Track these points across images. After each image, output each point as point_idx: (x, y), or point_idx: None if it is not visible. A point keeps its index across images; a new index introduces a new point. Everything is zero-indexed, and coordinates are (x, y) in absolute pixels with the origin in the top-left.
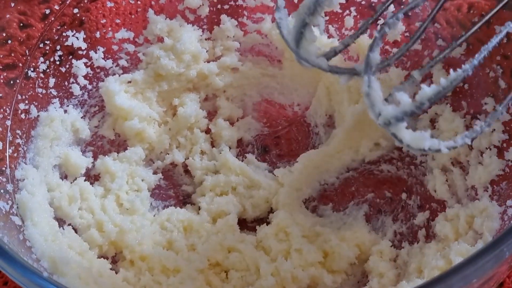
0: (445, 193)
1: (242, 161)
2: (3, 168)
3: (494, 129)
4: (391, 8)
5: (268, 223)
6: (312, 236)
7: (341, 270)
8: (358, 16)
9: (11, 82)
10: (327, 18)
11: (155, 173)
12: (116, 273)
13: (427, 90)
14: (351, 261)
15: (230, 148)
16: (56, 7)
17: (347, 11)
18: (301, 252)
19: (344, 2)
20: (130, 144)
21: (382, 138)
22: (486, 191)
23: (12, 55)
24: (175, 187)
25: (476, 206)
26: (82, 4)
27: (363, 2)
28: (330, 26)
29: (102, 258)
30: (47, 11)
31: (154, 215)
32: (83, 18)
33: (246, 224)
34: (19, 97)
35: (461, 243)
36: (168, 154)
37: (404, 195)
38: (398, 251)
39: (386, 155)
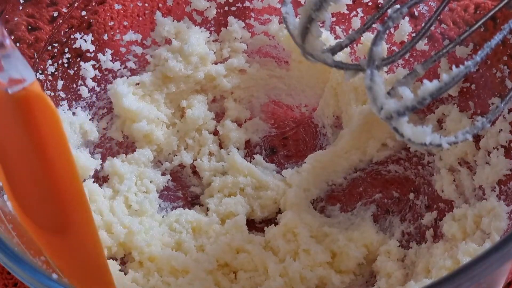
0: (452, 193)
1: (250, 162)
2: None
3: (501, 129)
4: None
5: (276, 224)
6: (320, 237)
7: (349, 270)
8: (365, 17)
9: None
10: (334, 19)
11: (163, 174)
12: (125, 274)
13: (429, 86)
14: (359, 261)
15: (238, 149)
16: (64, 9)
17: (354, 12)
18: (309, 252)
19: (351, 3)
20: (139, 146)
21: (389, 139)
22: (493, 191)
23: None
24: (183, 189)
25: (483, 206)
26: (90, 7)
27: (369, 3)
28: (337, 27)
29: (111, 260)
30: (55, 14)
31: (163, 217)
32: (91, 20)
33: (254, 225)
34: None
35: (469, 243)
36: (176, 155)
37: (411, 195)
38: (406, 251)
39: (393, 155)
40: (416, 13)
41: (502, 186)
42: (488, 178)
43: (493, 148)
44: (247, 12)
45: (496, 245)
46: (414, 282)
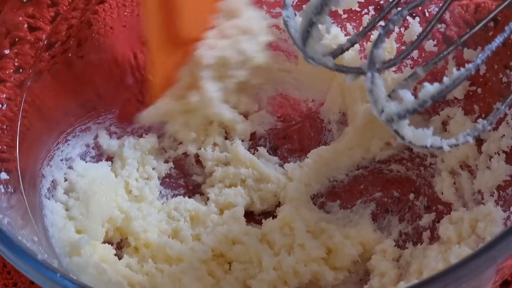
0: (452, 195)
1: (254, 154)
2: (14, 169)
3: (504, 135)
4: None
5: (274, 217)
6: (316, 232)
7: (343, 267)
8: (376, 15)
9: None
10: (346, 16)
11: (166, 161)
12: (120, 259)
13: (430, 89)
14: (354, 259)
15: (243, 141)
16: (64, 9)
17: (365, 10)
18: (304, 247)
19: (363, 0)
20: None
21: (393, 138)
22: (492, 196)
23: (21, 57)
24: (185, 177)
25: (480, 210)
26: (89, 6)
27: (381, 2)
28: (348, 24)
29: (106, 244)
30: (55, 14)
31: (163, 204)
32: (91, 20)
33: (253, 217)
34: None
35: (462, 246)
36: (181, 144)
37: (411, 196)
38: (402, 251)
39: (396, 155)
40: (426, 13)
41: (500, 191)
42: (487, 183)
43: (495, 153)
44: (258, 5)
45: (481, 249)
46: (405, 283)
